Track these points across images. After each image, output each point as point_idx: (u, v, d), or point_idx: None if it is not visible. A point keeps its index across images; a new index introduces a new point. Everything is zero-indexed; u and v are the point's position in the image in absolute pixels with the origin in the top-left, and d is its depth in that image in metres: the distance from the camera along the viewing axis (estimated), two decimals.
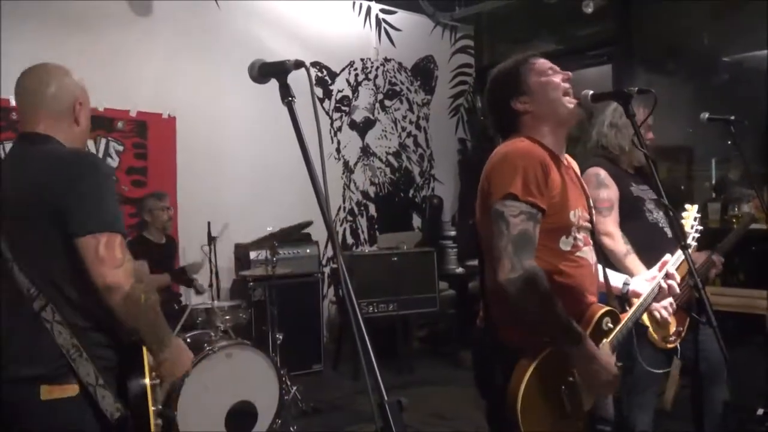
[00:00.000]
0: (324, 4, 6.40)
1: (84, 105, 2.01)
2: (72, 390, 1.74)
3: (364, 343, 1.18)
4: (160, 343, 1.86)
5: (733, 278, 4.83)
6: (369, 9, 6.81)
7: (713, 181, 5.78)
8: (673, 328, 2.70)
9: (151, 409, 1.84)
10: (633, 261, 2.65)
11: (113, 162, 5.09)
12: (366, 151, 6.74)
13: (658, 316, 2.27)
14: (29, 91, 1.92)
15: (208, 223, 4.79)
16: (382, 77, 6.87)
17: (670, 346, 2.69)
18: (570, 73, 2.05)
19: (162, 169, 5.33)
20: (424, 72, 7.24)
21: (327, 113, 6.44)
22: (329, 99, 6.48)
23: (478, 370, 2.04)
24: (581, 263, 1.97)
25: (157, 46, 5.36)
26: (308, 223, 4.75)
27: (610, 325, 1.98)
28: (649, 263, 2.47)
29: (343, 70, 6.58)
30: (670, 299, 2.25)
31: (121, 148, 5.16)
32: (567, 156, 2.11)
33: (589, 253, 2.01)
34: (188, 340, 3.87)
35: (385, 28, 6.93)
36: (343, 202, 6.58)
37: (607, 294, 2.14)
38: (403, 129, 7.06)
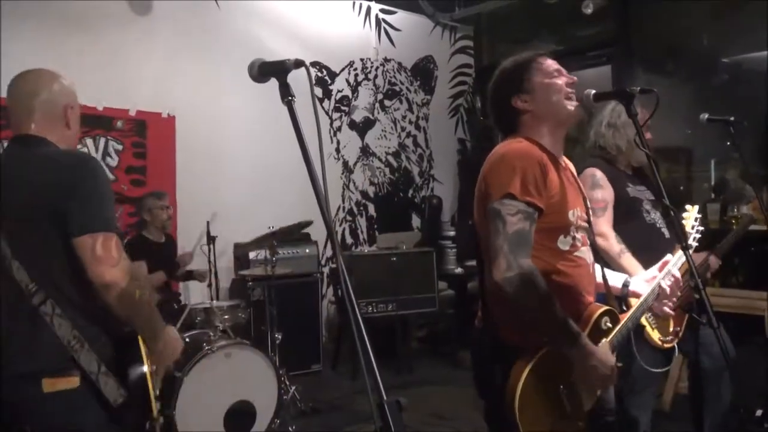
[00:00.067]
0: (324, 4, 6.40)
1: (74, 109, 2.05)
2: (74, 381, 1.80)
3: (363, 343, 1.18)
4: (154, 335, 1.97)
5: (732, 279, 4.83)
6: (369, 9, 6.81)
7: (712, 182, 5.78)
8: (671, 328, 2.70)
9: (152, 392, 1.93)
10: (627, 260, 2.66)
11: (112, 161, 5.09)
12: (365, 151, 6.74)
13: (659, 312, 2.27)
14: (23, 95, 1.97)
15: (207, 223, 4.79)
16: (381, 77, 6.88)
17: (667, 346, 2.69)
18: (576, 78, 2.04)
19: (161, 169, 5.32)
20: (423, 72, 7.25)
21: (327, 113, 6.44)
22: (329, 99, 6.48)
23: (477, 369, 2.04)
24: (579, 263, 1.98)
25: (157, 45, 5.36)
26: (308, 223, 4.75)
27: (609, 325, 1.99)
28: (646, 264, 2.47)
29: (342, 70, 6.58)
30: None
31: (120, 147, 5.16)
32: (564, 157, 2.11)
33: (587, 253, 2.01)
34: (187, 339, 3.87)
35: (384, 28, 6.93)
36: (343, 202, 6.58)
37: (607, 294, 2.14)
38: (403, 129, 7.06)
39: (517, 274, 1.77)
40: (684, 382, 4.10)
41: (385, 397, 1.14)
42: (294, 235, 5.22)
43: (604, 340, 1.96)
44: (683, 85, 6.02)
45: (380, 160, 6.87)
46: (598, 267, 2.11)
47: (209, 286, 4.62)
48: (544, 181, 1.87)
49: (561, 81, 2.01)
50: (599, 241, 2.67)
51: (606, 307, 1.99)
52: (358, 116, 6.69)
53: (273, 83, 1.45)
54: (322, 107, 6.41)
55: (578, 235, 1.97)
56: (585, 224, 2.01)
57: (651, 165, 1.97)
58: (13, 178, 1.85)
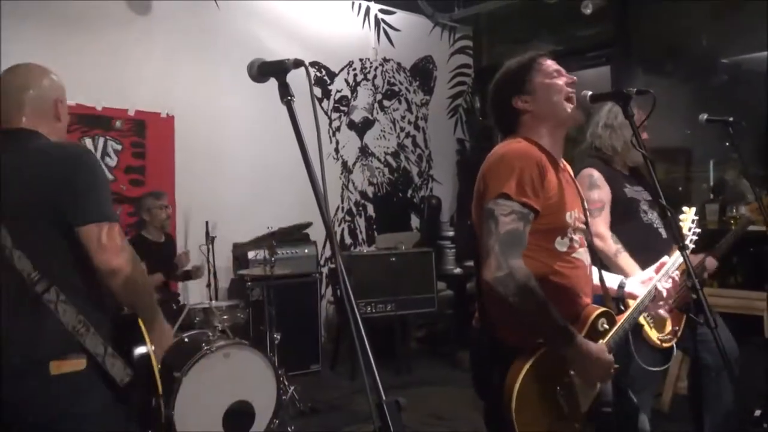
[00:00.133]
0: (323, 4, 6.40)
1: (63, 102, 2.10)
2: (81, 363, 1.84)
3: (362, 344, 1.18)
4: (152, 320, 2.04)
5: (731, 280, 4.83)
6: (368, 9, 6.81)
7: (711, 183, 5.78)
8: (669, 328, 2.70)
9: (156, 368, 1.99)
10: (624, 260, 2.66)
11: (111, 161, 5.09)
12: (364, 151, 6.74)
13: (654, 314, 2.27)
14: (13, 89, 2.01)
15: (206, 223, 4.79)
16: (380, 77, 6.88)
17: (666, 345, 2.70)
18: (576, 78, 2.04)
19: (160, 169, 5.32)
20: (422, 72, 7.25)
21: (326, 113, 6.44)
22: (328, 99, 6.48)
23: (475, 370, 2.04)
24: (577, 264, 1.98)
25: (156, 45, 5.36)
26: (307, 225, 4.75)
27: (606, 326, 1.99)
28: (644, 264, 2.47)
29: (342, 70, 6.58)
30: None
31: (119, 147, 5.16)
32: (562, 159, 2.11)
33: (584, 255, 2.02)
34: (186, 339, 3.88)
35: (384, 29, 6.93)
36: (342, 202, 6.58)
37: (604, 296, 2.14)
38: (402, 129, 7.06)
39: (506, 274, 1.77)
40: (683, 382, 4.11)
41: (383, 398, 1.14)
42: (293, 236, 5.22)
43: (601, 341, 1.96)
44: (682, 86, 6.03)
45: (379, 160, 6.87)
46: (594, 268, 2.12)
47: (208, 286, 4.62)
48: (542, 182, 1.87)
49: (561, 81, 2.01)
50: (596, 241, 2.67)
51: (603, 309, 2.00)
52: (357, 116, 6.69)
53: (272, 83, 1.45)
54: (321, 107, 6.41)
55: (576, 237, 1.97)
56: (582, 226, 2.01)
57: (648, 166, 1.97)
58: (11, 170, 1.88)
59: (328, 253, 6.15)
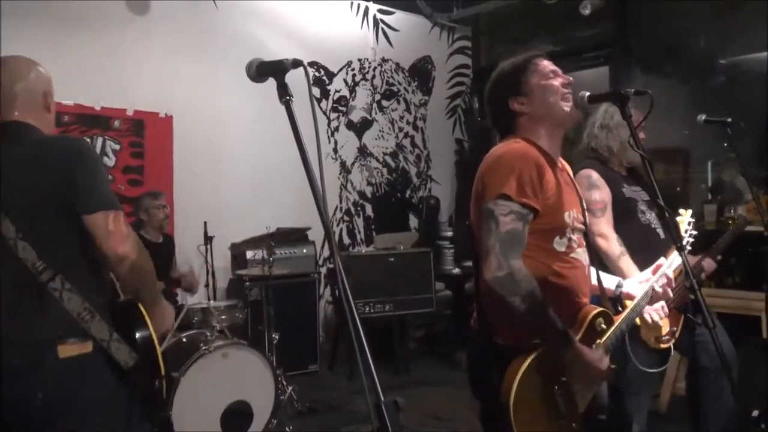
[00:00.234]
0: (322, 4, 6.39)
1: (51, 94, 2.15)
2: (87, 346, 1.91)
3: (361, 344, 1.18)
4: (154, 302, 2.10)
5: (728, 280, 4.84)
6: (367, 9, 6.81)
7: (709, 183, 5.78)
8: (666, 329, 2.70)
9: (159, 351, 2.04)
10: (627, 263, 2.65)
11: (110, 161, 5.08)
12: (363, 152, 6.74)
13: (648, 319, 2.28)
14: (4, 82, 2.04)
15: (205, 223, 4.79)
16: (379, 77, 6.88)
17: (663, 346, 2.70)
18: (571, 79, 2.04)
19: (158, 168, 5.32)
20: (421, 72, 7.25)
21: (324, 113, 6.44)
22: (327, 99, 6.48)
23: (473, 370, 2.05)
24: (575, 264, 1.98)
25: (155, 45, 5.35)
26: (306, 229, 4.75)
27: (603, 326, 1.99)
28: (642, 264, 2.47)
29: (340, 70, 6.57)
30: (663, 302, 2.25)
31: (117, 146, 5.15)
32: (560, 159, 2.11)
33: (582, 255, 2.02)
34: (184, 339, 3.88)
35: (382, 29, 6.93)
36: (340, 202, 6.58)
37: (601, 296, 2.14)
38: (401, 129, 7.06)
39: (507, 274, 1.77)
40: (681, 383, 4.11)
41: (382, 398, 1.14)
42: (291, 237, 5.23)
43: (598, 341, 1.97)
44: (681, 86, 6.03)
45: (378, 160, 6.87)
46: (592, 268, 2.12)
47: (206, 286, 4.61)
48: (540, 182, 1.87)
49: (557, 82, 2.01)
50: (600, 241, 2.67)
51: (600, 309, 2.00)
52: (355, 116, 6.69)
53: (271, 83, 1.45)
54: (320, 107, 6.41)
55: (574, 237, 1.98)
56: (581, 226, 2.02)
57: (646, 166, 1.97)
58: (12, 162, 1.92)
59: (326, 253, 6.15)
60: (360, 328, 1.19)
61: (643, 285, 2.18)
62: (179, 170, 5.42)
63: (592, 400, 1.98)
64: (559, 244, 1.95)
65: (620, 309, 2.16)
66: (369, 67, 6.79)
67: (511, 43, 7.10)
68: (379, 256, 5.79)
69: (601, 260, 2.62)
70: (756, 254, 3.48)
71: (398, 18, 7.02)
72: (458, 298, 6.35)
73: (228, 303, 4.31)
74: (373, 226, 6.82)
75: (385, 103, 6.92)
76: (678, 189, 5.91)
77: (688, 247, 2.53)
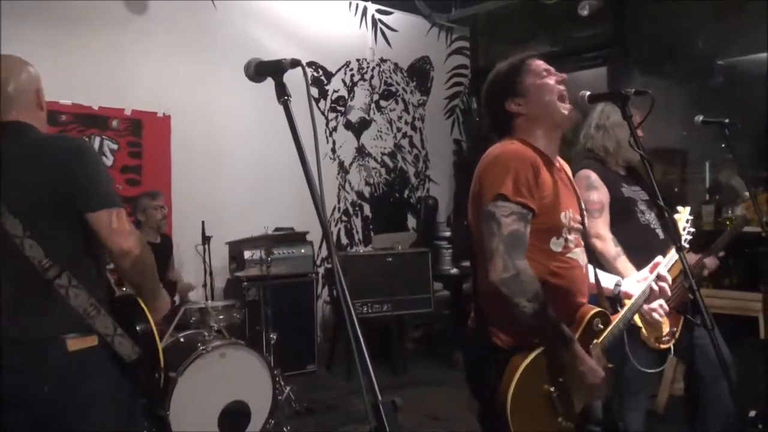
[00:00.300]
0: (320, 4, 6.39)
1: (42, 91, 2.17)
2: (93, 340, 1.95)
3: (359, 344, 1.18)
4: (155, 295, 2.16)
5: (726, 281, 4.84)
6: (365, 9, 6.80)
7: (707, 184, 5.79)
8: (666, 329, 2.70)
9: (159, 345, 2.11)
10: (623, 263, 2.65)
11: (108, 161, 5.07)
12: (361, 152, 6.74)
13: (649, 318, 2.28)
14: (1, 82, 2.06)
15: (203, 223, 4.78)
16: (377, 78, 6.87)
17: (663, 346, 2.70)
18: (565, 75, 2.05)
19: (156, 168, 5.31)
20: (419, 73, 7.25)
21: (323, 113, 6.44)
22: (325, 99, 6.48)
23: (470, 370, 2.05)
24: (572, 264, 1.98)
25: (153, 44, 5.35)
26: (304, 233, 4.75)
27: (601, 326, 1.99)
28: (640, 265, 2.47)
29: (339, 70, 6.57)
30: (661, 301, 2.25)
31: (115, 146, 5.15)
32: (559, 158, 2.12)
33: (580, 255, 2.02)
34: (182, 339, 3.87)
35: (381, 29, 6.93)
36: (338, 202, 6.57)
37: (598, 295, 2.14)
38: (399, 129, 7.06)
39: (513, 275, 1.78)
40: (678, 383, 4.11)
41: (380, 398, 1.14)
42: (287, 239, 5.24)
43: (595, 341, 1.97)
44: (679, 87, 6.04)
45: (376, 160, 6.87)
46: (590, 268, 2.12)
47: (204, 286, 4.61)
48: (536, 182, 1.88)
49: (551, 81, 2.02)
50: (596, 243, 2.67)
51: (598, 309, 2.00)
52: (354, 116, 6.68)
53: (270, 83, 1.45)
54: (318, 107, 6.41)
55: (571, 237, 1.98)
56: (578, 226, 2.02)
57: (645, 166, 1.97)
58: (16, 162, 1.95)
59: (324, 253, 6.15)
60: (358, 328, 1.19)
61: (641, 284, 2.19)
62: (177, 170, 5.41)
63: (586, 410, 1.98)
64: (556, 245, 1.95)
65: (619, 308, 2.16)
66: (367, 67, 6.79)
67: (509, 43, 7.10)
68: (377, 256, 5.79)
69: (598, 261, 2.62)
70: (753, 255, 3.48)
71: (397, 18, 7.02)
72: (456, 298, 6.34)
73: (226, 303, 4.31)
74: (371, 226, 6.82)
75: (383, 103, 6.92)
76: (676, 190, 5.92)
77: (686, 245, 2.52)
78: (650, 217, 2.82)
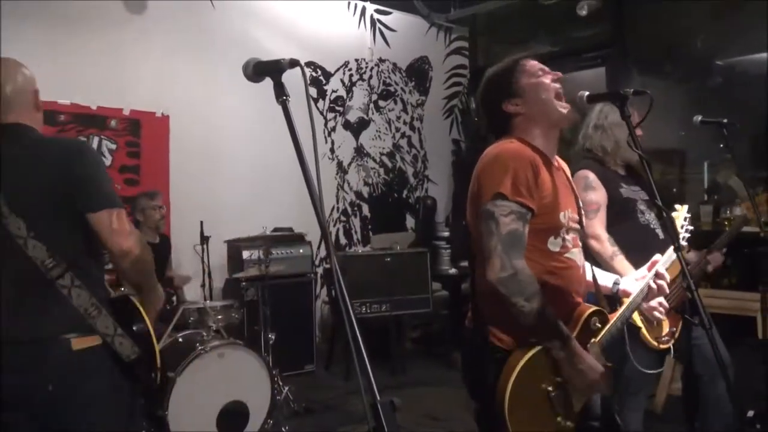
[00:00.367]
0: (319, 4, 6.39)
1: (38, 92, 2.19)
2: (97, 339, 1.99)
3: (357, 344, 1.18)
4: (152, 291, 2.21)
5: (724, 281, 4.85)
6: (364, 9, 6.80)
7: (706, 184, 5.80)
8: (666, 329, 2.70)
9: (156, 344, 2.13)
10: (620, 263, 2.65)
11: (106, 160, 5.06)
12: (360, 152, 6.74)
13: (650, 317, 2.28)
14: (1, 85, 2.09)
15: (201, 223, 4.78)
16: (376, 78, 6.87)
17: (663, 346, 2.70)
18: (560, 74, 2.05)
19: (155, 168, 5.31)
20: (418, 73, 7.25)
21: (321, 113, 6.44)
22: (323, 99, 6.47)
23: (467, 370, 2.05)
24: (570, 264, 1.99)
25: (152, 44, 5.34)
26: (301, 235, 4.74)
27: (598, 325, 1.99)
28: (640, 265, 2.46)
29: (337, 70, 6.57)
30: (661, 299, 2.25)
31: (114, 146, 5.14)
32: (558, 158, 2.12)
33: (577, 255, 2.02)
34: (180, 339, 3.87)
35: (379, 29, 6.93)
36: (337, 202, 6.57)
37: (596, 294, 2.14)
38: (397, 130, 7.06)
39: (511, 274, 1.78)
40: (677, 383, 4.12)
41: (378, 398, 1.14)
42: (285, 240, 5.24)
43: (593, 340, 1.97)
44: (678, 87, 6.04)
45: (375, 160, 6.87)
46: (588, 266, 2.12)
47: (202, 286, 4.61)
48: (536, 181, 1.88)
49: (547, 80, 2.02)
50: (593, 243, 2.67)
51: (595, 308, 2.00)
52: (352, 116, 6.68)
53: (268, 83, 1.45)
54: (317, 107, 6.41)
55: (569, 237, 1.98)
56: (576, 226, 2.02)
57: (644, 166, 1.97)
58: (18, 163, 1.98)
59: (323, 253, 6.15)
60: (356, 328, 1.19)
61: (639, 282, 2.19)
62: (175, 170, 5.41)
63: (585, 406, 1.99)
64: (554, 245, 1.95)
65: (617, 308, 2.16)
66: (366, 67, 6.79)
67: (508, 43, 7.10)
68: (376, 256, 5.79)
69: (595, 261, 2.62)
70: (752, 255, 3.49)
71: (395, 18, 7.02)
72: (455, 298, 6.34)
73: (224, 303, 4.31)
74: (369, 226, 6.82)
75: (382, 103, 6.91)
76: (674, 190, 5.92)
77: (684, 243, 2.53)
78: (650, 217, 2.82)
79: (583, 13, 5.78)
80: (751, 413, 3.31)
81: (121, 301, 2.14)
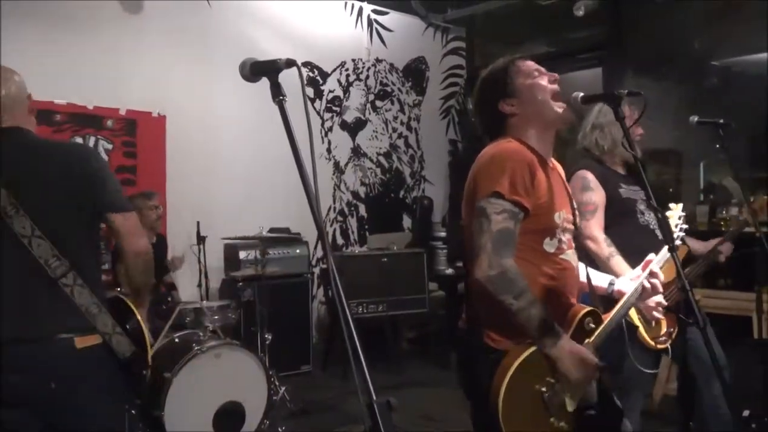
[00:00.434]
0: (316, 4, 6.39)
1: (31, 97, 2.25)
2: (96, 339, 2.05)
3: (354, 344, 1.18)
4: (147, 292, 2.33)
5: (720, 281, 4.86)
6: (361, 10, 6.80)
7: (701, 185, 5.81)
8: (664, 329, 2.71)
9: (149, 344, 2.21)
10: (617, 264, 2.65)
11: None
12: (357, 152, 6.74)
13: (649, 316, 2.28)
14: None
15: (198, 223, 4.77)
16: (373, 78, 6.87)
17: (660, 346, 2.70)
18: (557, 75, 2.05)
19: (151, 168, 5.30)
20: (415, 73, 7.25)
21: (318, 113, 6.44)
22: (320, 99, 6.47)
23: (463, 370, 2.05)
24: (564, 265, 1.99)
25: (148, 44, 5.33)
26: (295, 236, 4.73)
27: (592, 325, 1.99)
28: (638, 265, 2.47)
29: (334, 70, 6.57)
30: (659, 298, 2.25)
31: (110, 146, 5.13)
32: (552, 159, 2.12)
33: (572, 256, 2.02)
34: (177, 340, 3.86)
35: (376, 29, 6.93)
36: (334, 202, 6.57)
37: (591, 295, 2.14)
38: (394, 130, 7.06)
39: (498, 273, 1.78)
40: (672, 383, 4.13)
41: (375, 398, 1.14)
42: (280, 241, 5.23)
43: (587, 340, 1.97)
44: (674, 88, 6.05)
45: (371, 160, 6.87)
46: (582, 266, 2.12)
47: (199, 286, 4.60)
48: (532, 182, 1.88)
49: (543, 81, 2.02)
50: (589, 244, 2.67)
51: (589, 308, 2.00)
52: (349, 117, 6.68)
53: (265, 83, 1.45)
54: (314, 107, 6.40)
55: (564, 238, 1.98)
56: (570, 227, 2.02)
57: (638, 166, 1.98)
58: (23, 165, 2.04)
59: (319, 253, 6.14)
60: (353, 329, 1.19)
61: (634, 282, 2.19)
62: (172, 170, 5.40)
63: (583, 396, 1.99)
64: (549, 245, 1.95)
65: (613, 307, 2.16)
66: (363, 68, 6.79)
67: (505, 44, 7.10)
68: (373, 256, 5.79)
69: (591, 262, 2.62)
70: (747, 255, 3.50)
71: (392, 18, 7.02)
72: (451, 298, 6.34)
73: (221, 303, 4.29)
74: (366, 227, 6.82)
75: (378, 103, 6.91)
76: (671, 190, 5.93)
77: (679, 242, 2.53)
78: (649, 218, 2.81)
79: (580, 13, 5.79)
80: (746, 413, 3.32)
81: (115, 302, 2.19)
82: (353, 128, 6.70)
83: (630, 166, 2.92)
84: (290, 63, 1.42)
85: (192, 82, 5.54)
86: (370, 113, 6.84)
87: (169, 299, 4.86)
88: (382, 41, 6.96)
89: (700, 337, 2.02)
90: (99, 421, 2.04)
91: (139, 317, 2.18)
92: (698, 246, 3.20)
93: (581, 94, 2.02)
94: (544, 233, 1.94)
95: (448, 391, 4.78)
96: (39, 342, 1.98)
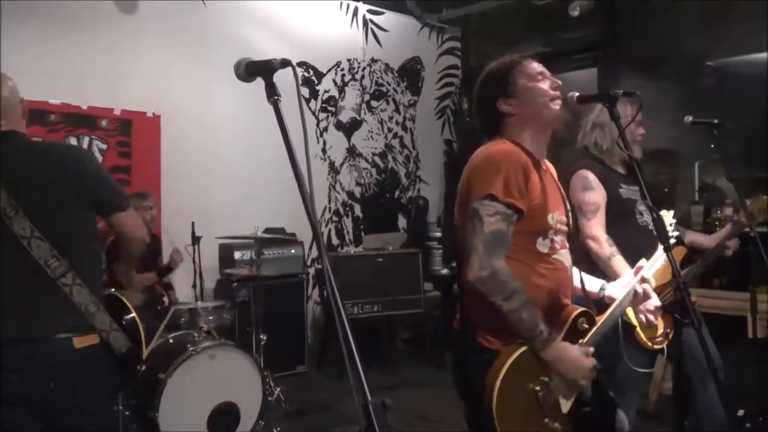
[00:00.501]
0: (311, 4, 6.38)
1: (24, 101, 2.29)
2: (94, 338, 2.09)
3: (349, 344, 1.17)
4: (133, 267, 2.50)
5: (715, 281, 4.87)
6: (356, 9, 6.80)
7: (696, 185, 5.82)
8: (661, 329, 2.71)
9: (143, 340, 2.27)
10: (618, 264, 2.65)
11: None
12: (352, 152, 6.73)
13: (643, 319, 2.28)
14: None
15: (192, 223, 4.76)
16: (368, 78, 6.87)
17: (657, 346, 2.71)
18: (560, 82, 2.05)
19: (146, 168, 5.29)
20: (410, 73, 7.25)
21: (313, 113, 6.43)
22: (315, 99, 6.46)
23: (457, 370, 2.05)
24: (557, 266, 1.99)
25: (143, 44, 5.32)
26: (292, 235, 4.73)
27: (586, 326, 1.99)
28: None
29: (329, 70, 6.56)
30: (656, 302, 2.25)
31: (104, 146, 5.12)
32: (545, 161, 2.12)
33: (565, 256, 2.02)
34: (171, 340, 3.85)
35: (372, 29, 6.92)
36: (329, 202, 6.56)
37: (585, 298, 2.14)
38: (390, 130, 7.06)
39: (489, 274, 1.78)
40: (668, 383, 4.13)
41: (370, 398, 1.14)
42: (275, 241, 5.22)
43: (581, 341, 1.97)
44: (669, 88, 6.06)
45: (367, 160, 6.86)
46: (576, 271, 2.12)
47: (194, 286, 4.59)
48: (526, 183, 1.88)
49: (545, 85, 2.02)
50: (591, 244, 2.67)
51: (583, 309, 2.00)
52: (344, 117, 6.67)
53: (260, 83, 1.45)
54: (309, 107, 6.40)
55: (557, 238, 1.99)
56: (564, 228, 2.02)
57: (633, 166, 1.98)
58: (22, 167, 2.08)
59: (314, 253, 6.14)
60: (348, 329, 1.19)
61: (625, 288, 2.19)
62: (167, 170, 5.39)
63: (578, 396, 1.99)
64: (542, 246, 1.96)
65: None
66: (358, 68, 6.78)
67: (500, 44, 7.10)
68: (368, 256, 5.79)
69: (591, 261, 2.62)
70: (742, 255, 3.51)
71: (388, 18, 7.02)
72: (447, 298, 6.34)
73: (215, 304, 4.28)
74: (361, 227, 6.81)
75: (374, 103, 6.91)
76: (666, 190, 5.94)
77: (673, 240, 2.53)
78: (648, 219, 2.81)
79: (576, 13, 5.80)
80: (741, 412, 3.33)
81: (110, 299, 2.23)
82: (348, 128, 6.70)
83: (630, 166, 2.91)
84: (285, 63, 1.42)
85: (187, 82, 5.52)
86: (365, 113, 6.83)
87: (165, 299, 4.85)
88: (378, 41, 6.96)
89: (695, 337, 2.02)
90: (98, 421, 2.08)
91: (131, 309, 2.26)
92: (705, 240, 3.20)
93: (577, 93, 2.02)
94: (537, 234, 1.94)
95: (443, 391, 4.76)
96: (38, 342, 2.01)
